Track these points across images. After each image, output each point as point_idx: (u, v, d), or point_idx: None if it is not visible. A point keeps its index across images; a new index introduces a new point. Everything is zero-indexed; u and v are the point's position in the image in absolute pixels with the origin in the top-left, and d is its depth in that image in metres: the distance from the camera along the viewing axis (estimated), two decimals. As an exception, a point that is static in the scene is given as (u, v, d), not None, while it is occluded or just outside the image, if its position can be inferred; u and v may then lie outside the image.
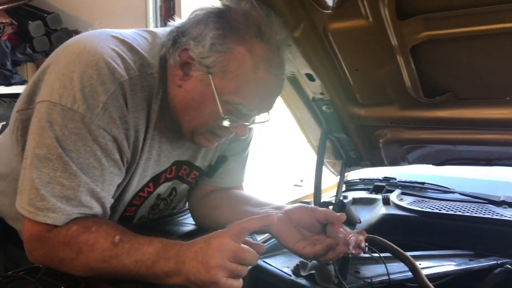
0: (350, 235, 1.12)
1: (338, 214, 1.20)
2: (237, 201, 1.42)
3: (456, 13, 1.10)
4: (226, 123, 1.15)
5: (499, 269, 1.50)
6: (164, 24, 1.23)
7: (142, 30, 1.23)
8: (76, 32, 3.28)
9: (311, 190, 1.81)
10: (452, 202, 1.91)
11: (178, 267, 1.02)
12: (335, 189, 1.98)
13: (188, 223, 1.54)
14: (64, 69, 1.05)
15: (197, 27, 1.11)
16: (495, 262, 1.55)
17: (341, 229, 1.16)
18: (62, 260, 1.04)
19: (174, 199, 1.45)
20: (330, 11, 1.19)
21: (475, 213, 1.75)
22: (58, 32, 3.29)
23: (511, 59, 1.23)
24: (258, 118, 1.25)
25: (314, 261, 1.41)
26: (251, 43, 1.09)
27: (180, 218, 1.56)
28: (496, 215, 1.72)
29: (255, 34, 1.09)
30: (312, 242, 1.21)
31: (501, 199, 1.88)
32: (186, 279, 1.02)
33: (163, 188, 1.37)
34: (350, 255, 1.29)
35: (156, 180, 1.30)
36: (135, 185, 1.24)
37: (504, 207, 1.82)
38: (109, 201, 1.13)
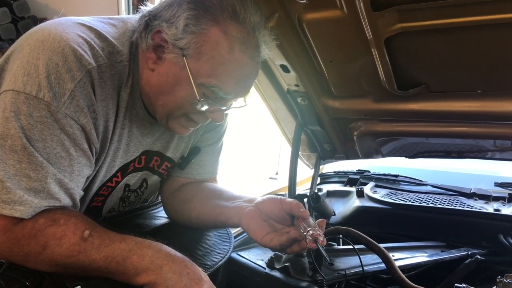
0: (308, 229, 1.10)
1: (302, 210, 1.17)
2: (209, 195, 1.39)
3: (430, 5, 1.10)
4: (202, 107, 1.12)
5: (470, 259, 1.53)
6: (137, 12, 1.19)
7: (110, 17, 1.19)
8: (45, 20, 3.18)
9: (286, 182, 1.81)
10: (424, 194, 1.95)
11: (151, 268, 1.00)
12: (310, 181, 1.99)
13: (160, 216, 1.51)
14: (28, 56, 1.01)
15: (169, 9, 1.08)
16: (466, 253, 1.59)
17: (302, 223, 1.14)
18: (27, 255, 1.00)
19: (145, 191, 1.42)
20: (305, 1, 1.17)
21: (447, 205, 1.78)
22: (26, 19, 3.19)
23: (482, 52, 1.24)
24: (234, 104, 1.22)
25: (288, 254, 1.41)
26: (225, 24, 1.06)
27: (152, 212, 1.53)
28: (467, 207, 1.76)
29: (230, 15, 1.06)
30: (281, 233, 1.19)
31: (472, 191, 1.92)
32: (154, 282, 1.00)
33: (133, 180, 1.33)
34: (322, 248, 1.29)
35: (124, 170, 1.27)
36: (102, 175, 1.21)
37: (475, 199, 1.86)
38: (78, 193, 1.09)
